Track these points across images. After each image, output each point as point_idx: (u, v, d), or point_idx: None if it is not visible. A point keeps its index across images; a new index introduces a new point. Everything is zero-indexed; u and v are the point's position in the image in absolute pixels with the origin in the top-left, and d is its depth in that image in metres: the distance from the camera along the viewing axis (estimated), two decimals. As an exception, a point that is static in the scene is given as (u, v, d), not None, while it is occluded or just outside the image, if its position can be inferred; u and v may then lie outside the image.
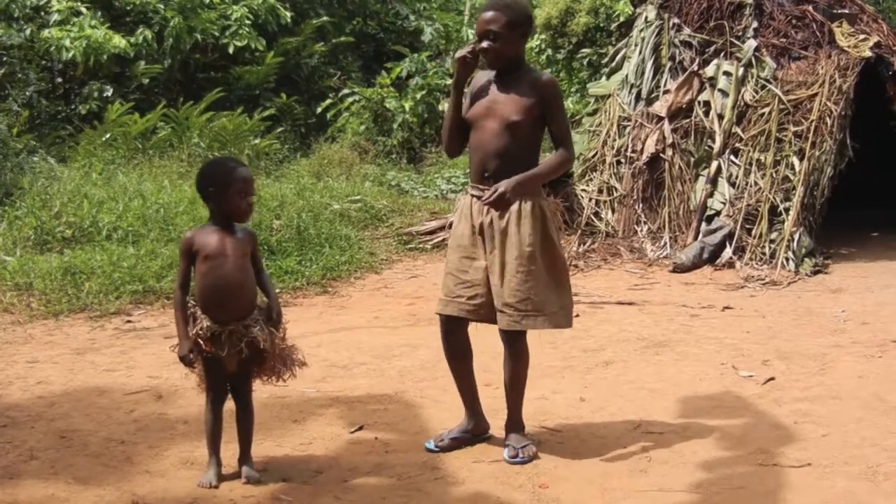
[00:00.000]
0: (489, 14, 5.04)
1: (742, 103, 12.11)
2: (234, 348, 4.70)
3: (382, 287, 10.15)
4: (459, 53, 5.18)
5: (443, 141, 5.53)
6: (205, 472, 4.81)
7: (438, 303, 5.34)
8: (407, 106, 17.13)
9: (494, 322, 5.19)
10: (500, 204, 4.94)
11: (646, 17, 13.55)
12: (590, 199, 12.49)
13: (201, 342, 4.71)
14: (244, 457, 4.91)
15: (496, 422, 5.45)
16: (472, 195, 5.20)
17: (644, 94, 12.90)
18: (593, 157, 12.84)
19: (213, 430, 4.85)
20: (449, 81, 16.51)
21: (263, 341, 4.73)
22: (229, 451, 5.00)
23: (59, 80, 17.35)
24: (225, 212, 4.77)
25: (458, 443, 5.35)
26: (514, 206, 5.02)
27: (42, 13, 16.74)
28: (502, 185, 4.90)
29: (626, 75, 13.27)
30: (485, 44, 5.07)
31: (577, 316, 8.67)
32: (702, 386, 6.59)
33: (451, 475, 4.96)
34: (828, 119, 11.50)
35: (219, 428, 4.86)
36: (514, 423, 5.34)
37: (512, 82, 5.12)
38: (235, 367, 4.80)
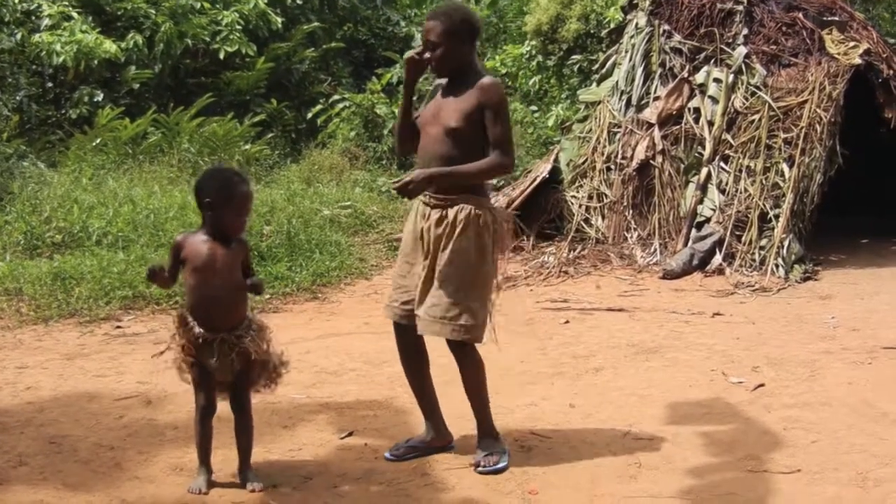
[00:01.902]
0: (428, 24, 5.08)
1: (732, 110, 12.12)
2: (226, 357, 4.69)
3: (372, 293, 10.14)
4: (408, 55, 5.23)
5: (395, 142, 5.57)
6: (195, 479, 4.81)
7: (383, 307, 5.41)
8: (397, 112, 17.12)
9: (411, 326, 5.21)
10: (406, 192, 5.01)
11: (636, 24, 13.57)
12: (580, 206, 12.50)
13: (193, 349, 4.71)
14: (244, 467, 4.89)
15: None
16: (419, 199, 5.20)
17: (634, 100, 12.92)
18: (583, 163, 12.85)
19: (203, 439, 4.84)
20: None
21: (254, 351, 4.72)
22: (218, 456, 5.00)
23: (50, 84, 17.32)
24: (219, 226, 4.73)
25: (413, 452, 5.32)
26: (451, 214, 5.01)
27: (33, 18, 16.71)
28: (410, 175, 5.01)
29: (617, 82, 13.29)
30: (427, 53, 5.10)
31: (567, 322, 8.77)
32: (691, 392, 6.59)
33: (440, 481, 4.96)
34: (817, 126, 11.52)
35: (208, 437, 4.85)
36: (482, 430, 5.31)
37: (459, 88, 5.10)
38: (229, 377, 4.79)
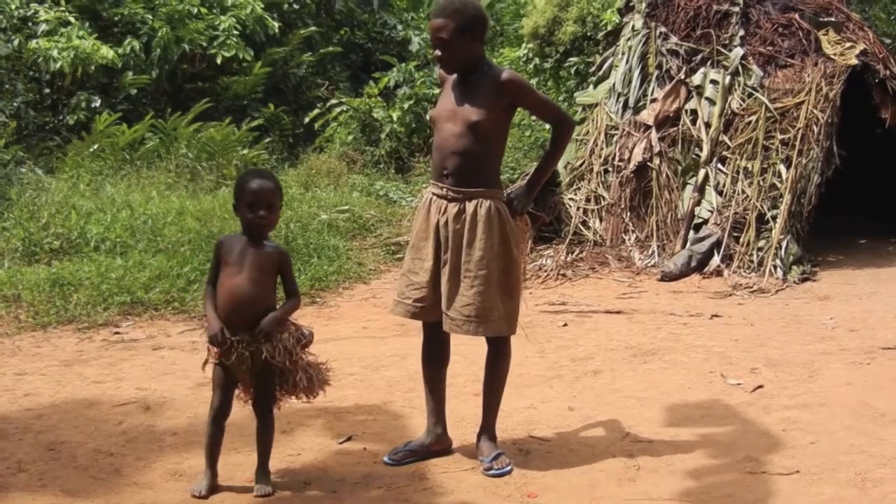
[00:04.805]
0: (438, 21, 4.99)
1: (729, 111, 12.14)
2: (241, 358, 4.69)
3: (371, 297, 10.14)
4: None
5: None
6: (199, 481, 4.83)
7: (391, 303, 5.42)
8: (395, 116, 17.13)
9: (439, 322, 5.18)
10: (519, 216, 5.19)
11: (633, 26, 13.58)
12: (577, 208, 12.50)
13: (212, 347, 4.74)
14: (260, 470, 4.90)
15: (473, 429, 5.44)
16: (433, 193, 5.19)
17: (631, 102, 12.93)
18: (581, 165, 12.86)
19: (210, 441, 4.84)
20: (436, 91, 16.57)
21: (269, 353, 4.70)
22: (227, 461, 5.00)
23: (47, 90, 17.28)
24: (242, 224, 4.81)
25: (412, 456, 5.32)
26: (470, 208, 5.02)
27: (30, 24, 16.67)
28: (517, 206, 5.14)
29: (614, 84, 13.30)
30: (437, 52, 5.07)
31: (566, 325, 8.77)
32: (690, 394, 6.60)
33: (439, 485, 4.96)
34: (814, 127, 11.54)
35: (217, 439, 4.85)
36: (488, 429, 5.34)
37: (473, 82, 5.09)
38: (247, 379, 4.81)
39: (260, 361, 4.71)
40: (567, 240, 12.08)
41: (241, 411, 4.94)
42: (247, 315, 4.72)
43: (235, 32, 17.94)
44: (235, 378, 4.82)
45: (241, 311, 4.71)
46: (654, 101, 12.65)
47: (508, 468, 5.12)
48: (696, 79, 12.50)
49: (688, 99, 12.48)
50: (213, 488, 4.82)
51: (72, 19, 16.62)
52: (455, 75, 5.20)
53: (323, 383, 5.00)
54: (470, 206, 5.02)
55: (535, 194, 5.31)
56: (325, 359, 5.04)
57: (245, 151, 16.26)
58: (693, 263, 11.08)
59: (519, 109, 5.35)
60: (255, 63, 18.25)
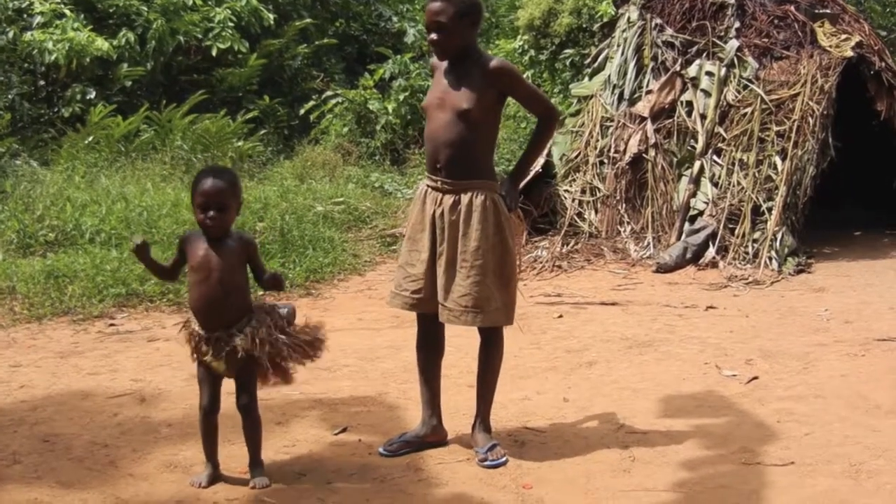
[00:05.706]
0: (436, 5, 4.96)
1: (724, 103, 12.14)
2: (219, 355, 4.68)
3: (366, 289, 10.14)
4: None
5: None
6: (199, 472, 4.86)
7: (388, 295, 5.41)
8: (390, 107, 17.09)
9: (436, 314, 5.18)
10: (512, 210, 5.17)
11: (628, 18, 13.57)
12: (573, 200, 12.50)
13: (191, 346, 4.76)
14: (252, 463, 4.90)
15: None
16: (427, 185, 5.20)
17: (627, 94, 12.92)
18: (576, 157, 12.85)
19: (204, 434, 4.85)
20: (430, 83, 16.53)
21: (244, 349, 4.68)
22: (223, 452, 4.99)
23: (42, 82, 17.22)
24: (198, 224, 4.75)
25: (407, 447, 5.31)
26: (465, 199, 5.02)
27: (24, 15, 16.61)
28: (509, 200, 5.14)
29: (609, 76, 13.29)
30: (433, 36, 5.04)
31: (561, 316, 8.77)
32: (685, 385, 6.60)
33: (434, 477, 4.96)
34: (810, 119, 11.54)
35: (209, 432, 4.85)
36: (483, 419, 5.34)
37: (464, 71, 5.07)
38: (229, 375, 4.81)
39: (233, 356, 4.70)
40: (562, 231, 12.08)
41: (232, 403, 4.92)
42: (221, 318, 4.71)
43: (230, 24, 17.90)
44: (214, 369, 4.81)
45: (215, 315, 4.70)
46: (649, 92, 12.65)
47: (503, 459, 5.12)
48: (692, 70, 12.50)
49: (683, 91, 12.48)
50: (215, 479, 4.84)
51: (67, 11, 16.55)
52: (445, 64, 5.19)
53: (321, 343, 5.07)
54: (465, 198, 5.02)
55: (520, 186, 5.33)
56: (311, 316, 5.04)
57: (240, 143, 16.24)
58: (688, 255, 11.08)
59: (507, 104, 5.33)
60: (250, 55, 18.20)
